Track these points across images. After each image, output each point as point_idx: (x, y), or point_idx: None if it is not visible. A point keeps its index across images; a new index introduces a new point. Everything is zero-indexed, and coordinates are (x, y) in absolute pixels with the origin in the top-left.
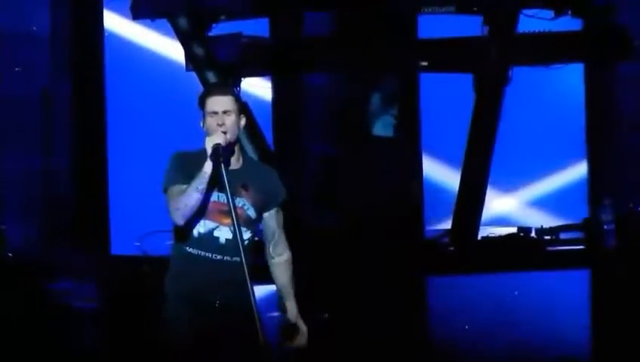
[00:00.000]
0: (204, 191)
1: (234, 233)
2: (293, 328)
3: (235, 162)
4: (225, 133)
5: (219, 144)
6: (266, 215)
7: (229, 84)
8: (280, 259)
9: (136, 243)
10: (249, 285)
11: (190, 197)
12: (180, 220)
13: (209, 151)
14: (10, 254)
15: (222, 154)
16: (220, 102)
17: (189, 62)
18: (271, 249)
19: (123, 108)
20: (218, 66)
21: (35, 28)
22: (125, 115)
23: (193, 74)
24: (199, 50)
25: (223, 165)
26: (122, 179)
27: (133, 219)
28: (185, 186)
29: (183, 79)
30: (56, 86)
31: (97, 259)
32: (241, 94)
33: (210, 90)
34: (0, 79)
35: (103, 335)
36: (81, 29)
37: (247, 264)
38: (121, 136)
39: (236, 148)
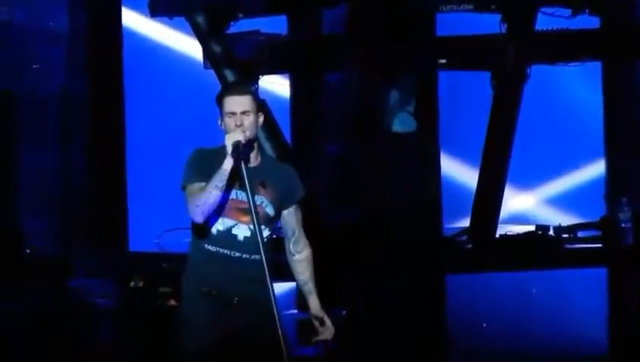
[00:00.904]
0: (224, 188)
1: (252, 231)
2: (319, 322)
3: (254, 160)
4: (243, 131)
5: (239, 141)
6: (284, 212)
7: (247, 83)
8: (300, 256)
9: (155, 241)
10: (269, 283)
11: (210, 194)
12: (199, 218)
13: (229, 148)
14: (27, 251)
15: (242, 151)
16: (238, 103)
17: (207, 60)
18: (291, 246)
19: (141, 106)
20: (236, 64)
21: (51, 24)
22: (143, 113)
23: (211, 72)
24: (217, 48)
25: (243, 162)
26: (140, 177)
27: (151, 216)
28: (204, 184)
29: (201, 77)
30: (74, 83)
31: (115, 257)
32: (259, 92)
33: (228, 90)
34: (18, 77)
35: (120, 332)
36: (99, 27)
37: (266, 261)
38: (139, 134)
39: (255, 146)
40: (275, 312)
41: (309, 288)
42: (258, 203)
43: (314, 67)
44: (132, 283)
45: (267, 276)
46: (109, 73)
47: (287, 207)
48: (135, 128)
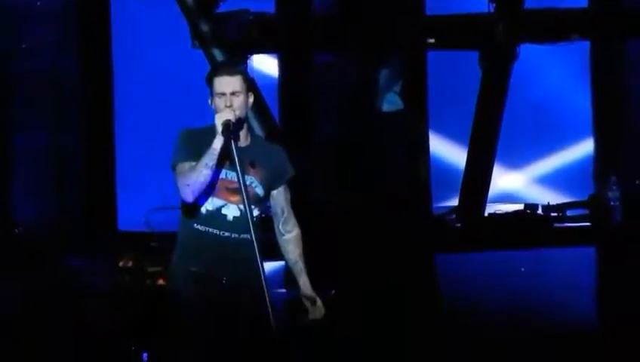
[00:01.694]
0: (214, 167)
1: (242, 210)
2: (310, 302)
3: (244, 140)
4: (234, 110)
5: (229, 120)
6: (274, 192)
7: (237, 63)
8: (290, 235)
9: (143, 220)
10: (259, 262)
11: (200, 173)
12: (189, 197)
13: (219, 127)
14: (16, 230)
15: (232, 130)
16: (227, 83)
17: (195, 39)
18: (280, 226)
19: (130, 85)
20: (224, 43)
21: (40, 3)
22: (132, 92)
23: (200, 51)
24: (205, 27)
25: (233, 141)
26: (129, 156)
27: (140, 195)
28: (194, 163)
29: (189, 56)
30: (64, 62)
31: (105, 236)
32: (248, 72)
33: (218, 70)
34: (7, 57)
35: (109, 311)
36: (88, 6)
37: (256, 241)
38: (128, 112)
39: (245, 126)
40: (266, 291)
41: (299, 267)
42: (248, 183)
43: (302, 47)
44: (121, 263)
45: (257, 255)
46: (99, 53)
47: (276, 187)
48: (124, 107)
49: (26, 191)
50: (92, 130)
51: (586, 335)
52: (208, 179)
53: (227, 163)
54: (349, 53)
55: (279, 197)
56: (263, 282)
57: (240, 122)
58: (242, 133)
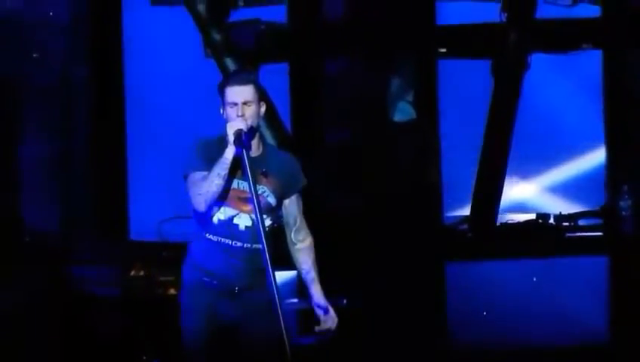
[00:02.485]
0: (226, 177)
1: (254, 220)
2: (323, 311)
3: (256, 149)
4: (245, 120)
5: (241, 130)
6: (286, 201)
7: (248, 72)
8: (302, 244)
9: (154, 229)
10: (271, 272)
11: (211, 183)
12: (201, 206)
13: (231, 137)
14: (27, 239)
15: (244, 139)
16: (239, 93)
17: (207, 48)
18: (293, 235)
19: (142, 94)
20: (236, 53)
21: (51, 13)
22: (144, 101)
23: (212, 61)
24: (217, 37)
25: (244, 151)
26: (141, 165)
27: (152, 204)
28: (206, 172)
29: (201, 66)
30: (74, 71)
31: (116, 245)
32: (260, 81)
33: (229, 80)
34: (18, 66)
35: (120, 321)
36: (100, 15)
37: (268, 251)
38: (139, 122)
39: (257, 135)
40: (277, 302)
41: (312, 277)
42: (260, 192)
43: (314, 55)
44: (132, 272)
45: (269, 265)
46: (110, 61)
47: (288, 196)
48: (136, 116)
49: (35, 199)
50: (103, 140)
51: (598, 346)
52: (220, 188)
53: (239, 172)
54: (359, 62)
55: (291, 206)
56: (275, 292)
57: (252, 131)
58: (254, 143)
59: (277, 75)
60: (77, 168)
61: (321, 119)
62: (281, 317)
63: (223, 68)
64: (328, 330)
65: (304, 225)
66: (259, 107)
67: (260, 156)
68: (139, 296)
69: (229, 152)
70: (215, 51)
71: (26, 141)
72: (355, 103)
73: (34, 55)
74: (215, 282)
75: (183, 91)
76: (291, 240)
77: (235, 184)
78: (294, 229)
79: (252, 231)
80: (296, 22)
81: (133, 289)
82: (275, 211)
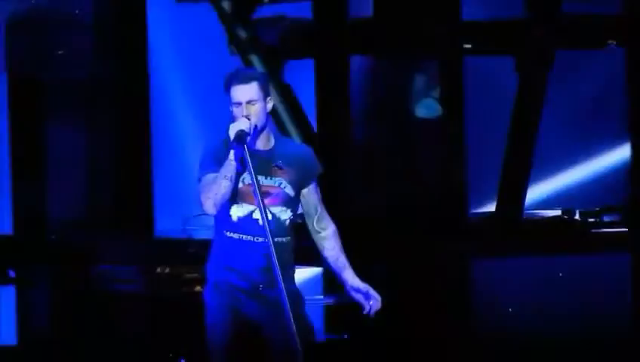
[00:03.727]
0: (234, 178)
1: (274, 213)
2: (363, 295)
3: (266, 143)
4: (249, 119)
5: (242, 130)
6: (304, 191)
7: (251, 70)
8: (326, 232)
9: (182, 228)
10: (275, 265)
11: (219, 185)
12: (211, 209)
13: (232, 138)
14: (53, 237)
15: (246, 140)
16: (243, 93)
17: (232, 45)
18: (315, 224)
19: (166, 91)
20: (262, 49)
21: (77, 12)
22: (169, 98)
23: (237, 57)
24: (242, 34)
25: (246, 151)
26: (166, 163)
27: (177, 202)
28: (215, 174)
29: (226, 63)
30: (100, 69)
31: (141, 243)
32: (285, 77)
33: (233, 78)
34: (44, 63)
35: (146, 319)
36: (125, 12)
37: (292, 245)
38: (164, 118)
39: (265, 130)
40: (285, 298)
41: (342, 263)
42: (277, 184)
43: (340, 52)
44: (158, 270)
45: (274, 258)
46: (135, 58)
47: (307, 185)
48: (161, 113)
49: (61, 197)
50: (128, 137)
51: (622, 342)
52: (229, 189)
53: (249, 169)
54: (385, 59)
55: (310, 195)
56: (282, 288)
57: (257, 130)
58: (263, 138)
59: (302, 72)
60: (102, 166)
61: (346, 117)
62: (291, 319)
63: (248, 64)
64: (374, 314)
65: (325, 213)
66: (265, 104)
67: (271, 149)
68: (164, 293)
69: (233, 153)
70: (240, 48)
71: (52, 139)
72: (380, 101)
73: (59, 52)
74: (239, 280)
75: (207, 88)
76: (315, 229)
77: (248, 179)
78: (316, 218)
79: (274, 224)
80: (321, 18)
81: (159, 286)
82: (294, 203)
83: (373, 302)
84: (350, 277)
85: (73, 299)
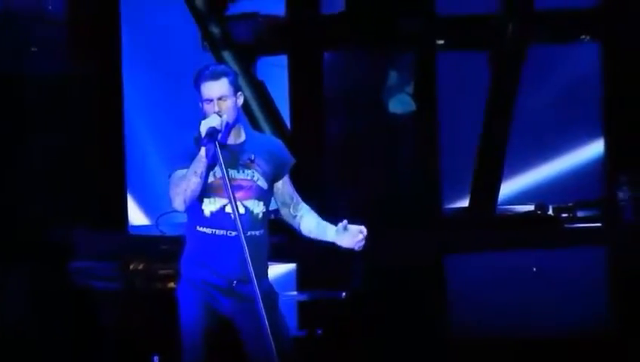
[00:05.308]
0: (204, 174)
1: (247, 207)
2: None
3: (237, 137)
4: (220, 115)
5: (213, 128)
6: (278, 184)
7: (220, 66)
8: (303, 211)
9: (154, 224)
10: (247, 259)
11: (189, 181)
12: (180, 205)
13: (202, 134)
14: (27, 235)
15: (217, 137)
16: (213, 89)
17: (205, 41)
18: (292, 210)
19: (140, 86)
20: (234, 46)
21: (50, 7)
22: (142, 94)
23: (210, 54)
24: (216, 30)
25: (218, 147)
26: (139, 158)
27: (150, 198)
28: (185, 171)
29: (199, 59)
30: (73, 65)
31: (115, 239)
32: (258, 73)
33: (202, 75)
34: (18, 60)
35: (120, 314)
36: (98, 8)
37: (266, 238)
38: (138, 115)
39: (237, 124)
40: (257, 290)
41: (323, 224)
42: (250, 177)
43: (312, 48)
44: (132, 266)
45: (246, 253)
46: (109, 55)
47: (280, 178)
48: (134, 109)
49: (36, 192)
50: (102, 134)
51: (597, 337)
52: (198, 186)
53: (222, 164)
54: (359, 54)
55: (285, 186)
56: (255, 287)
57: (228, 126)
58: (234, 132)
59: (275, 68)
60: (76, 163)
61: (320, 112)
62: (263, 311)
63: (221, 61)
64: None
65: (300, 200)
66: (235, 99)
67: (242, 143)
68: (138, 289)
69: (204, 149)
70: (213, 44)
71: (26, 135)
72: (354, 96)
73: (33, 49)
74: (212, 277)
75: (181, 84)
76: (291, 215)
77: (219, 173)
78: (292, 205)
79: (246, 218)
80: (294, 14)
81: (133, 283)
82: (267, 196)
83: (361, 233)
84: (335, 229)
85: (46, 294)
